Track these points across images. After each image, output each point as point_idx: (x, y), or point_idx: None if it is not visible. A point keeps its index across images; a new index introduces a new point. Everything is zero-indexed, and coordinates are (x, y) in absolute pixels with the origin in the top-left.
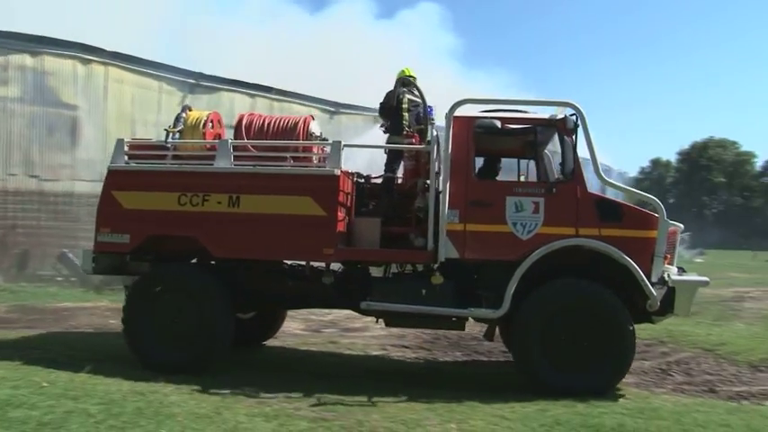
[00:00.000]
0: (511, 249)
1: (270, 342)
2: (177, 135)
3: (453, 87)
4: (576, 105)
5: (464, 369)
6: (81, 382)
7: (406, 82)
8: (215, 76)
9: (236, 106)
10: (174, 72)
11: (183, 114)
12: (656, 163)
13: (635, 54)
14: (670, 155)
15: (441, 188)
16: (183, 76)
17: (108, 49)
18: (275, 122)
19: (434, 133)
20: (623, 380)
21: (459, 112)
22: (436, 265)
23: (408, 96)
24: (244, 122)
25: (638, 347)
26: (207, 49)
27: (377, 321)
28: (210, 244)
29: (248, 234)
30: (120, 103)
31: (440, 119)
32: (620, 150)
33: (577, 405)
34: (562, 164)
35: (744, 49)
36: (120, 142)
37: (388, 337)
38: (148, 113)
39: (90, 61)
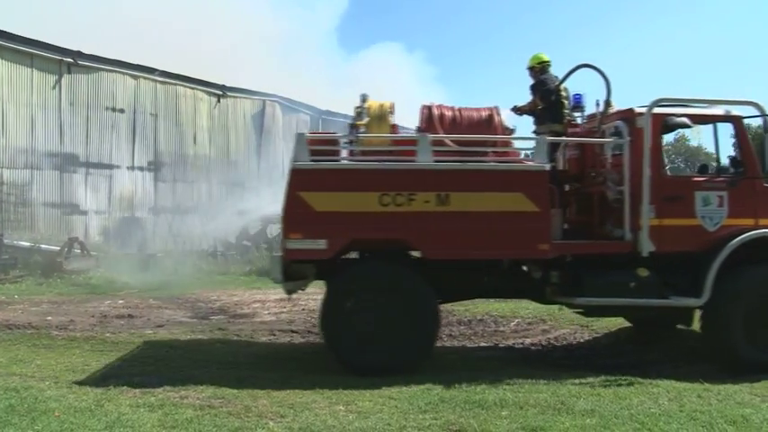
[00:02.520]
0: (700, 241)
1: (156, 330)
2: (363, 129)
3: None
4: (760, 105)
5: None
6: None
7: (545, 68)
8: (95, 56)
9: (118, 88)
10: (48, 49)
11: (365, 105)
12: None
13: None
14: None
15: (633, 182)
16: (60, 54)
17: None
18: (466, 115)
19: (637, 125)
20: (509, 357)
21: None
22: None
23: (563, 85)
24: (435, 114)
25: (520, 326)
26: (86, 24)
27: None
28: (422, 245)
29: (460, 233)
30: None
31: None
32: None
33: (461, 383)
34: (737, 158)
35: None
36: (300, 137)
37: (276, 322)
38: (20, 93)
39: None
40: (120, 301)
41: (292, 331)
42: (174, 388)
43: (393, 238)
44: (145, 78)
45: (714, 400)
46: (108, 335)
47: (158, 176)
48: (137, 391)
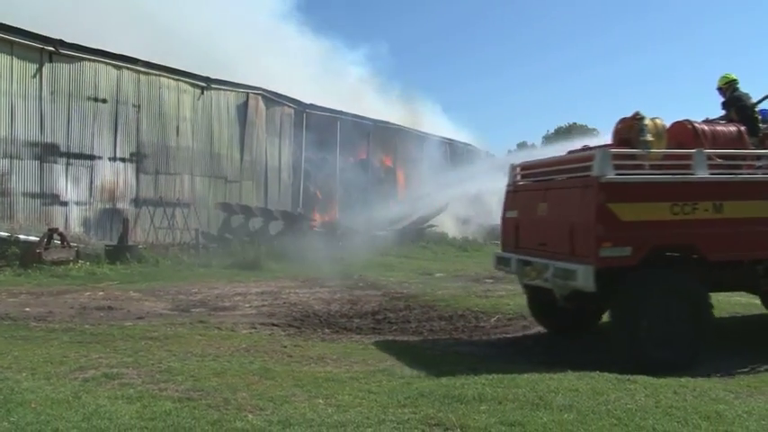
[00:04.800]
0: None
1: (135, 321)
2: (648, 145)
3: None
4: None
5: (332, 346)
6: None
7: (734, 86)
8: (77, 45)
9: (101, 78)
10: (29, 37)
11: (646, 123)
12: (521, 146)
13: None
14: (536, 139)
15: None
16: (41, 43)
17: None
18: (720, 130)
19: None
20: (488, 352)
21: None
22: None
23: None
24: (699, 130)
25: (500, 322)
26: (68, 12)
27: None
28: (706, 249)
29: (734, 237)
30: None
31: None
32: (488, 135)
33: (441, 378)
34: None
35: (604, 44)
36: (605, 153)
37: (257, 315)
38: None
39: None
40: (100, 293)
41: (273, 324)
42: (153, 380)
43: (684, 244)
44: (128, 69)
45: (689, 396)
46: (87, 326)
47: (140, 168)
48: (115, 382)
